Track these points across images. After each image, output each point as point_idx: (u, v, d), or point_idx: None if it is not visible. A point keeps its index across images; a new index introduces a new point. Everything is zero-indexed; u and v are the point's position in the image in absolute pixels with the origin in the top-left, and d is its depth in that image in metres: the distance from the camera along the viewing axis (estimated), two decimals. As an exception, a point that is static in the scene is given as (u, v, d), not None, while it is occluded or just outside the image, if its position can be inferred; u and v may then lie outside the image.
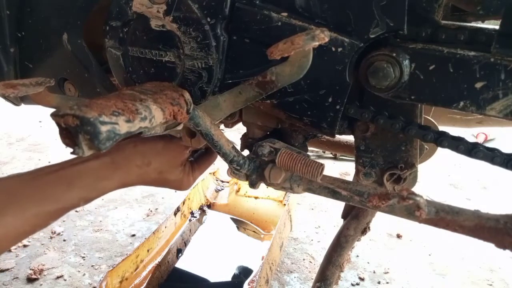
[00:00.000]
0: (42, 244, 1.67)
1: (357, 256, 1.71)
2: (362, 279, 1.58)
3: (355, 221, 0.87)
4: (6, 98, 0.72)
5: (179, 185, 0.75)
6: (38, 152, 2.56)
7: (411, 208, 0.56)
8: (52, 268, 1.55)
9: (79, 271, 1.54)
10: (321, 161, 1.07)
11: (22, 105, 0.92)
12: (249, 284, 1.27)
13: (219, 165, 2.02)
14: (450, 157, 1.87)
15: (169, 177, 0.71)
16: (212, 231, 1.76)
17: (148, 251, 1.49)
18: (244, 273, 1.49)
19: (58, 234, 1.74)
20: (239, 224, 1.81)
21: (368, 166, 0.68)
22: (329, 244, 0.92)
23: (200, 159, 0.80)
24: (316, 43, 0.44)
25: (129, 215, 1.93)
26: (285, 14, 0.56)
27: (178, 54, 0.62)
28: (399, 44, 0.53)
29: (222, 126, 0.87)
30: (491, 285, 1.61)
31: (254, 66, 0.61)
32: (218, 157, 0.71)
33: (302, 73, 0.50)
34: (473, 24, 0.54)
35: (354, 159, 0.70)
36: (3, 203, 0.52)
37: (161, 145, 0.69)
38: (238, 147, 0.67)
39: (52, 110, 0.40)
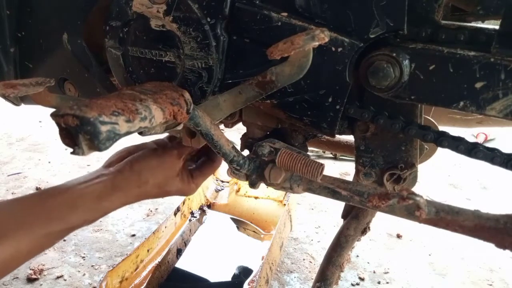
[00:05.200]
0: (42, 244, 1.67)
1: (357, 256, 1.72)
2: (362, 279, 1.58)
3: (355, 221, 0.87)
4: (6, 98, 0.72)
5: (182, 193, 0.77)
6: (38, 152, 2.56)
7: (411, 208, 0.56)
8: (52, 268, 1.55)
9: (79, 271, 1.54)
10: (321, 161, 1.07)
11: (22, 105, 0.92)
12: (249, 284, 1.27)
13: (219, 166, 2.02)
14: (450, 157, 1.87)
15: (169, 189, 0.74)
16: (212, 231, 1.76)
17: (148, 251, 1.48)
18: (244, 273, 1.49)
19: (58, 234, 1.74)
20: (239, 224, 1.81)
21: (368, 166, 0.68)
22: (329, 244, 0.92)
23: (202, 165, 0.81)
24: (316, 43, 0.44)
25: (129, 215, 1.93)
26: (285, 14, 0.56)
27: (178, 54, 0.62)
28: (399, 44, 0.53)
29: (222, 126, 0.87)
30: (491, 285, 1.61)
31: (254, 66, 0.60)
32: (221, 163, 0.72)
33: (302, 73, 0.50)
34: (473, 24, 0.54)
35: (354, 159, 0.70)
36: (14, 225, 0.56)
37: (154, 161, 0.71)
38: (238, 147, 0.67)
39: (52, 110, 0.40)
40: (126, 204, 0.68)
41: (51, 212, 0.60)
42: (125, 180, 0.67)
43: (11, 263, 0.56)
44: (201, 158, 0.83)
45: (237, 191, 1.96)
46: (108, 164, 0.72)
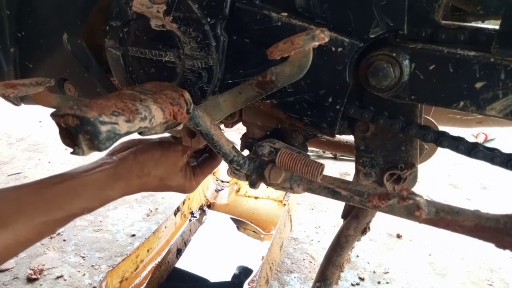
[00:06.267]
0: (42, 244, 1.67)
1: (357, 256, 1.72)
2: (362, 279, 1.58)
3: (355, 221, 0.87)
4: (6, 98, 0.72)
5: (182, 189, 0.77)
6: (38, 152, 2.56)
7: (411, 208, 0.56)
8: (52, 268, 1.55)
9: (79, 271, 1.54)
10: (321, 161, 1.07)
11: (22, 105, 0.92)
12: (249, 284, 1.27)
13: (219, 165, 2.02)
14: (450, 157, 1.87)
15: (170, 183, 0.74)
16: (212, 231, 1.76)
17: (148, 251, 1.48)
18: (244, 273, 1.49)
19: (58, 234, 1.74)
20: (239, 224, 1.81)
21: (368, 166, 0.68)
22: (329, 244, 0.92)
23: (203, 163, 0.81)
24: (316, 43, 0.44)
25: (129, 215, 1.93)
26: (285, 14, 0.56)
27: (178, 54, 0.62)
28: (399, 44, 0.53)
29: (222, 126, 0.87)
30: (491, 285, 1.61)
31: (254, 66, 0.61)
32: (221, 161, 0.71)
33: (302, 73, 0.50)
34: (473, 24, 0.54)
35: (354, 159, 0.70)
36: (14, 211, 0.56)
37: (158, 154, 0.71)
38: (238, 147, 0.67)
39: (52, 110, 0.40)
40: (126, 194, 0.68)
41: (52, 201, 0.60)
42: (127, 170, 0.67)
43: (11, 250, 0.56)
44: (202, 155, 0.83)
45: (237, 191, 1.96)
46: (112, 153, 0.71)
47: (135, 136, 0.76)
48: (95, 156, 0.64)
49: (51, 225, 0.60)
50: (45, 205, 0.59)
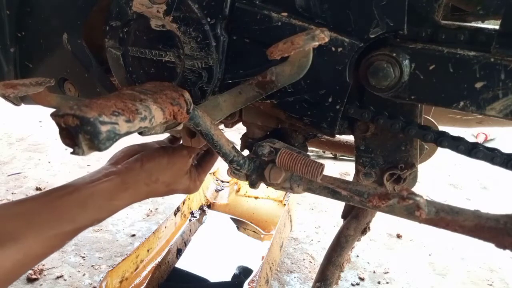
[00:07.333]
0: (42, 244, 1.67)
1: (357, 256, 1.72)
2: (362, 279, 1.58)
3: (355, 221, 0.87)
4: (6, 98, 0.72)
5: (188, 191, 0.78)
6: (38, 152, 2.56)
7: (411, 208, 0.56)
8: (52, 268, 1.55)
9: (79, 271, 1.54)
10: (321, 161, 1.07)
11: (22, 105, 0.92)
12: (249, 284, 1.27)
13: (219, 165, 2.02)
14: (450, 157, 1.87)
15: (177, 187, 0.74)
16: (212, 231, 1.76)
17: (148, 251, 1.48)
18: (244, 273, 1.49)
19: (58, 234, 1.74)
20: (239, 224, 1.81)
21: (368, 166, 0.68)
22: (329, 244, 0.92)
23: (202, 161, 0.81)
24: (316, 43, 0.44)
25: (129, 215, 1.93)
26: (285, 14, 0.56)
27: (178, 54, 0.62)
28: (399, 44, 0.53)
29: (222, 126, 0.87)
30: (491, 285, 1.61)
31: (254, 66, 0.61)
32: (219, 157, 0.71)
33: (302, 73, 0.50)
34: (473, 24, 0.54)
35: (354, 159, 0.70)
36: (23, 226, 0.55)
37: (165, 160, 0.71)
38: (238, 147, 0.67)
39: (52, 110, 0.40)
40: (134, 202, 0.68)
41: (61, 213, 0.59)
42: (135, 178, 0.67)
43: (22, 266, 0.54)
44: (199, 154, 0.83)
45: (237, 191, 1.96)
46: (115, 162, 0.70)
47: (135, 141, 0.76)
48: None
49: (61, 238, 0.59)
50: (54, 218, 0.58)
